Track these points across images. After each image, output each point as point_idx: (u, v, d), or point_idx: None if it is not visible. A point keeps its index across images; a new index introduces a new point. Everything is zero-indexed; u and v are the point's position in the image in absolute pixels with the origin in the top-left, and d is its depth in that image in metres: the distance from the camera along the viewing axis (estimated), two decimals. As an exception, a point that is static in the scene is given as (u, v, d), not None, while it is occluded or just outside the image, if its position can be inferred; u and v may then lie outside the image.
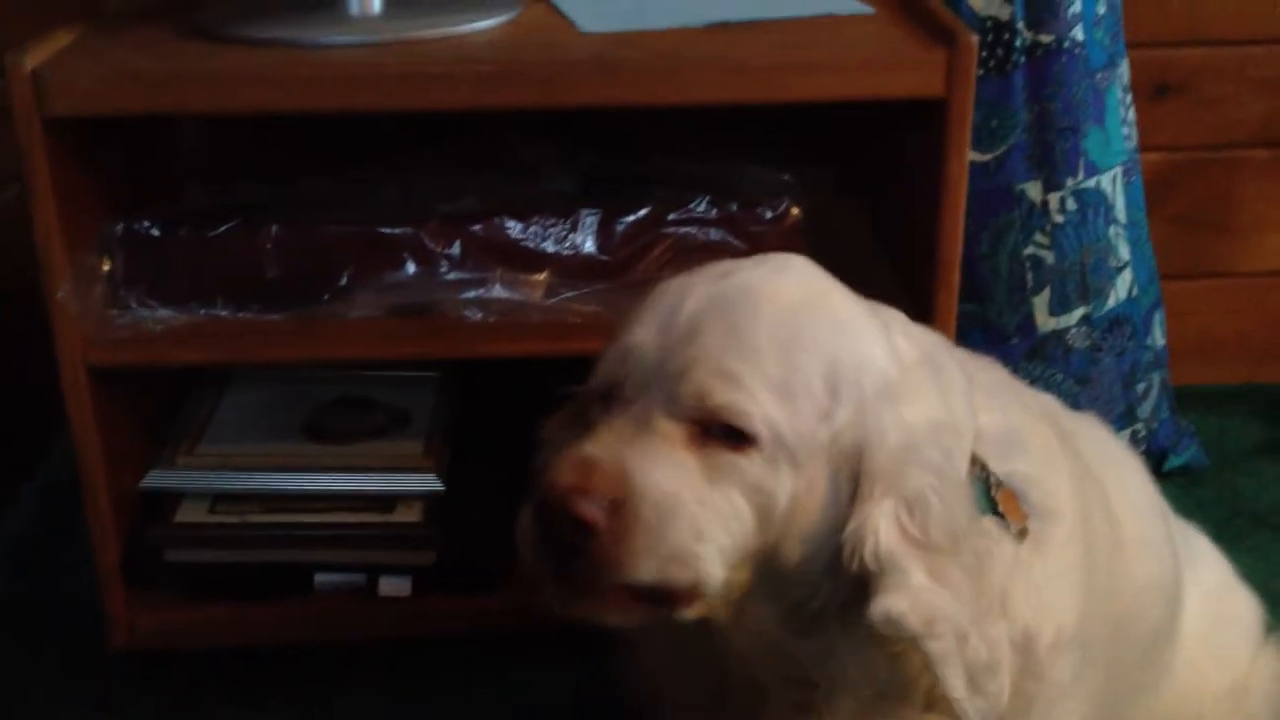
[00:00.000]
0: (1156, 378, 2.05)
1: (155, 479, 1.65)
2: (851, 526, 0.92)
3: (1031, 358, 1.94)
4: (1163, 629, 1.24)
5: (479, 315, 1.57)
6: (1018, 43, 1.83)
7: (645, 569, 0.90)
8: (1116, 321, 1.97)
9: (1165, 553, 1.24)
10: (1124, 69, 1.93)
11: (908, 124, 1.55)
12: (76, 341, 1.49)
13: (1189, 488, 2.07)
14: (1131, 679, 1.19)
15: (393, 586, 1.66)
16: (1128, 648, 1.16)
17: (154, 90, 1.42)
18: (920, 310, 1.49)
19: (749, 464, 0.92)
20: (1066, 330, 1.95)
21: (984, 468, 0.99)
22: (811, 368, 0.93)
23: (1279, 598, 1.79)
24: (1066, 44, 1.84)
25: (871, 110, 1.51)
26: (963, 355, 1.08)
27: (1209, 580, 1.36)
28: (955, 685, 0.92)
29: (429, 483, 1.66)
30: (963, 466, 0.97)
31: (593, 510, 0.89)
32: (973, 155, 1.77)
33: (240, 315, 1.56)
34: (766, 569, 0.95)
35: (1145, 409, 2.04)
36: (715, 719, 1.10)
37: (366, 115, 1.49)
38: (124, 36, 1.56)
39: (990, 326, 1.93)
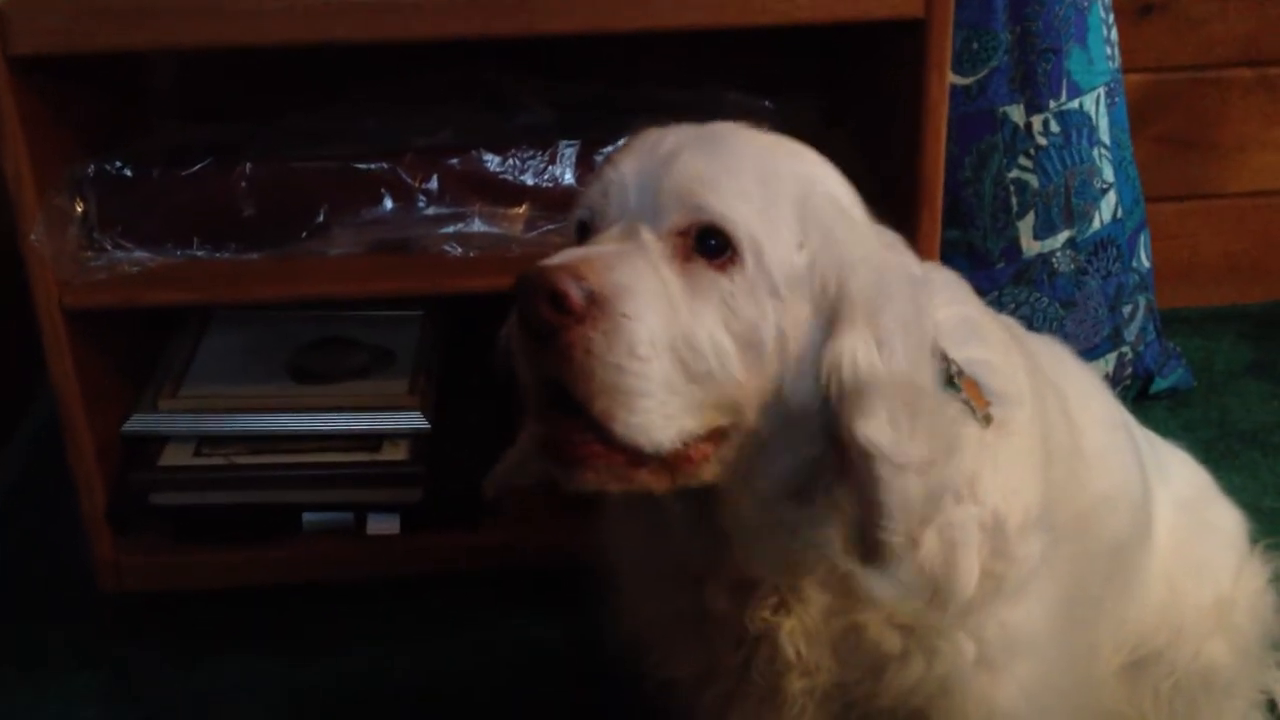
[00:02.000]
0: (1142, 300, 2.04)
1: (138, 423, 1.65)
2: (831, 350, 0.92)
3: (1017, 282, 1.93)
4: (1130, 538, 1.24)
5: (459, 250, 1.56)
6: (998, -38, 1.81)
7: (612, 374, 0.86)
8: (1101, 244, 1.96)
9: (1128, 464, 1.25)
10: (1106, -12, 1.91)
11: (890, 48, 1.54)
12: (51, 284, 1.47)
13: (1177, 409, 2.07)
14: (1100, 586, 1.20)
15: (381, 525, 1.66)
16: (1095, 553, 1.17)
17: (121, 26, 1.39)
18: (905, 235, 1.48)
19: (730, 285, 0.91)
20: (1051, 254, 1.94)
21: (944, 357, 1.00)
22: (785, 196, 0.94)
23: (1269, 515, 1.81)
24: (1047, -37, 1.82)
25: (855, 34, 1.49)
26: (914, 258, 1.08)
27: (1183, 492, 1.36)
28: (887, 520, 0.91)
29: (415, 421, 1.66)
30: (929, 339, 0.97)
31: (572, 289, 0.86)
32: (954, 78, 1.76)
33: (217, 255, 1.55)
34: (774, 413, 0.93)
35: (1132, 331, 2.03)
36: (693, 639, 1.10)
37: (338, 48, 1.47)
38: (89, -27, 1.53)
39: (975, 251, 1.92)
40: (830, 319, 0.93)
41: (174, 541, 1.65)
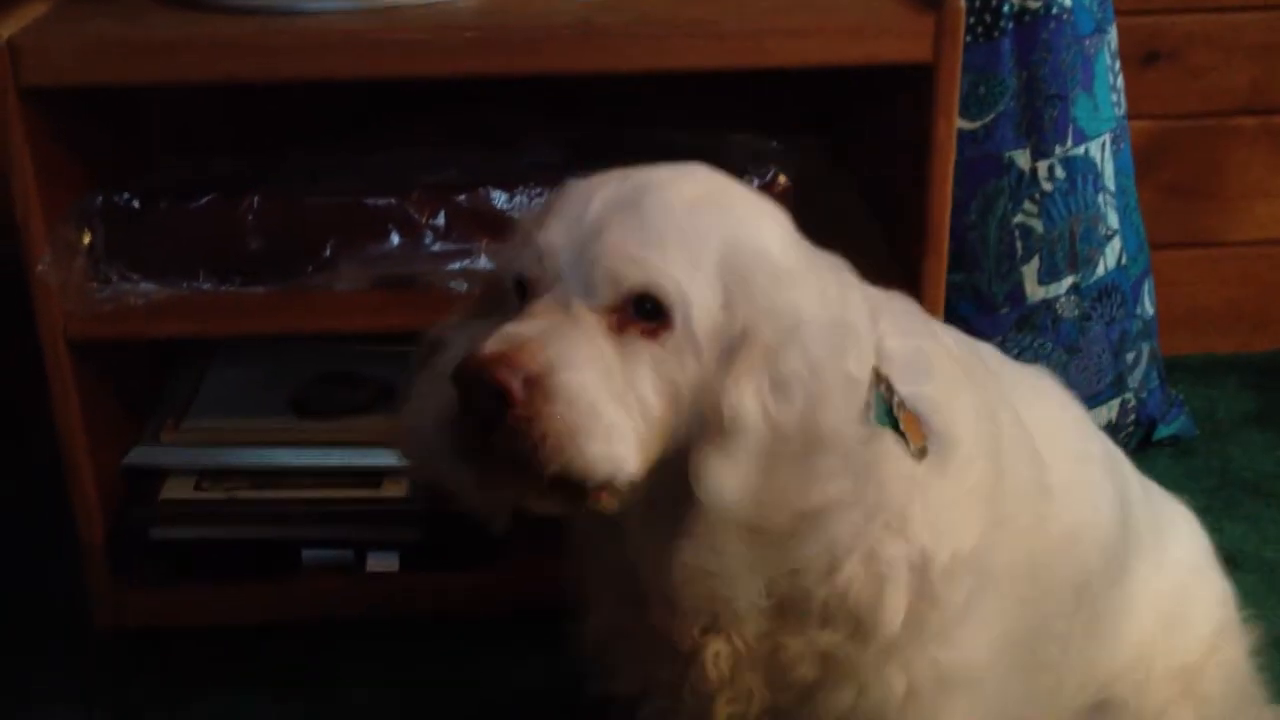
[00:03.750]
0: (1146, 347, 2.04)
1: (139, 455, 1.64)
2: (726, 383, 0.94)
3: (1021, 327, 1.93)
4: (1097, 577, 1.23)
5: (465, 287, 1.56)
6: (1005, 9, 1.82)
7: (557, 450, 0.90)
8: (1106, 290, 1.97)
9: (1096, 500, 1.24)
10: (1112, 35, 1.92)
11: (897, 90, 1.55)
12: (57, 315, 1.47)
13: (1179, 457, 2.07)
14: (1060, 624, 1.19)
15: (380, 562, 1.65)
16: (1054, 591, 1.16)
17: (131, 60, 1.40)
18: (909, 278, 1.49)
19: (661, 351, 0.94)
20: (1056, 299, 1.94)
21: (888, 386, 1.01)
22: (709, 256, 0.96)
23: (1270, 566, 1.81)
24: (1054, 10, 1.83)
25: (862, 77, 1.50)
26: (871, 288, 1.09)
27: (1177, 551, 1.34)
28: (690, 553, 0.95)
29: (416, 458, 1.65)
30: (860, 372, 0.98)
31: (513, 380, 0.89)
32: (961, 123, 1.76)
33: (223, 288, 1.55)
34: (670, 453, 0.96)
35: (1135, 378, 2.03)
36: (637, 655, 1.11)
37: (348, 85, 1.48)
38: (101, 6, 1.54)
39: (980, 295, 1.92)
40: (730, 364, 0.95)
41: (173, 576, 1.64)
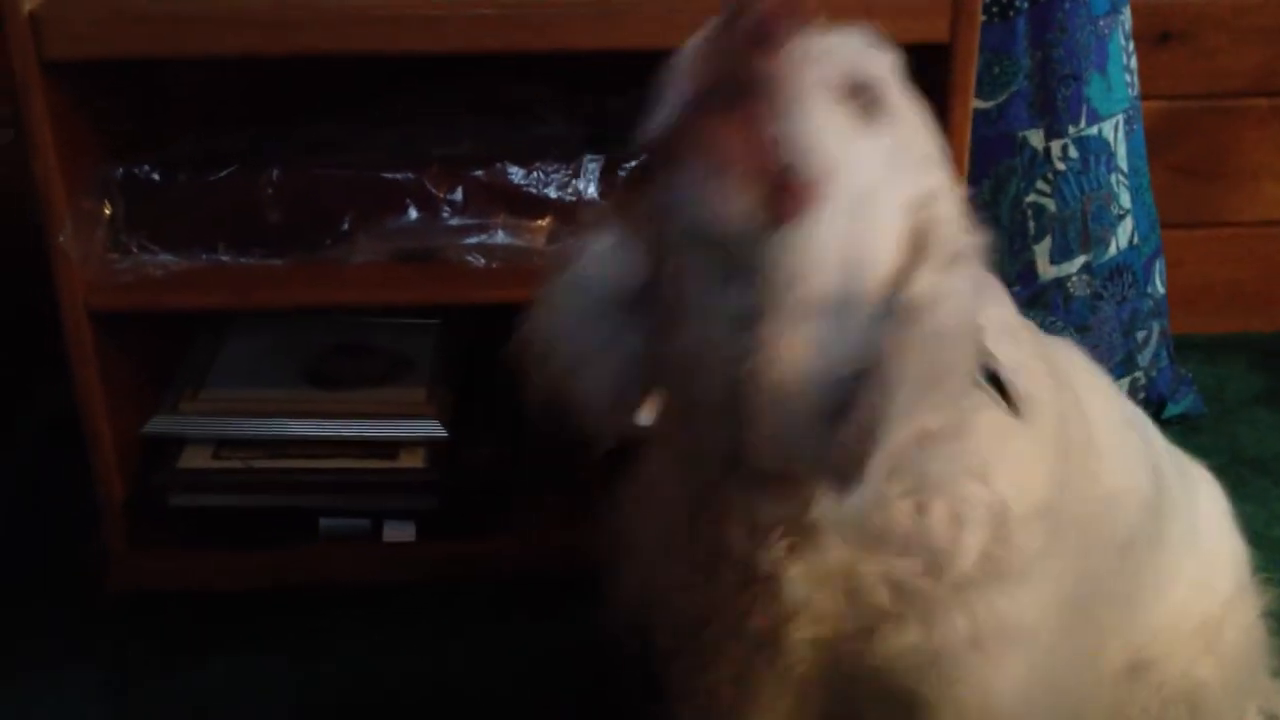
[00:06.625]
0: (1156, 326, 2.05)
1: (158, 424, 1.66)
2: (914, 280, 0.94)
3: (1032, 305, 1.94)
4: (1138, 537, 1.25)
5: (482, 261, 1.57)
6: (1021, -12, 1.82)
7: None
8: (1117, 270, 1.98)
9: (1137, 465, 1.26)
10: (1126, 15, 1.92)
11: (912, 71, 1.54)
12: (78, 286, 1.49)
13: (1188, 436, 2.07)
14: (1106, 585, 1.21)
15: (397, 532, 1.67)
16: (1100, 551, 1.18)
17: (152, 32, 1.41)
18: (922, 255, 1.49)
19: (877, 133, 0.95)
20: (1067, 278, 1.95)
21: (983, 350, 1.02)
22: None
23: (1277, 544, 1.81)
24: (1070, -11, 1.83)
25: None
26: None
27: (1205, 511, 1.37)
28: (870, 441, 0.92)
29: (432, 429, 1.67)
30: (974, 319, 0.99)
31: (782, 25, 0.89)
32: (974, 102, 1.76)
33: (242, 260, 1.56)
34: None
35: (1145, 357, 2.04)
36: (700, 583, 1.10)
37: (366, 58, 1.48)
38: (122, -22, 1.55)
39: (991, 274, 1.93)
40: (916, 244, 0.96)
41: (191, 543, 1.66)
